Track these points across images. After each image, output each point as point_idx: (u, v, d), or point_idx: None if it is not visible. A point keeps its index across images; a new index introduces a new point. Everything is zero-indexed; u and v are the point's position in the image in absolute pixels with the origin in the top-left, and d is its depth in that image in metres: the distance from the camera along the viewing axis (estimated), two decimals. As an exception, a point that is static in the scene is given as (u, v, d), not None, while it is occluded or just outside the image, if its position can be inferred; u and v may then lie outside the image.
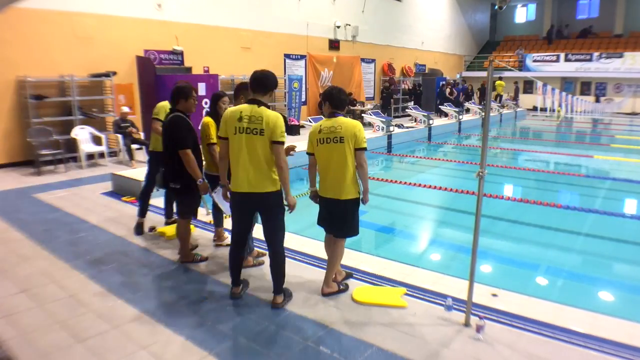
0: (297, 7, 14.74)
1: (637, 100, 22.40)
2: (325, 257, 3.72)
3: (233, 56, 12.69)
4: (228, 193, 3.45)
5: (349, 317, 3.23)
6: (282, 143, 3.18)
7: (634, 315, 3.29)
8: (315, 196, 3.59)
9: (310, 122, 10.42)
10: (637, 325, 3.10)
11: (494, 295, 3.50)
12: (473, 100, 19.59)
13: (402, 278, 3.81)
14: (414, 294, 3.55)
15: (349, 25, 17.04)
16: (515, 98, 21.95)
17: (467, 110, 17.92)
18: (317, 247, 4.55)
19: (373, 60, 18.88)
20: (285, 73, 14.51)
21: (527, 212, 6.55)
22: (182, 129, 3.87)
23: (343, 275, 3.81)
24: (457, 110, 15.96)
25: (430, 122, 14.13)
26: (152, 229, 5.02)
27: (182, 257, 4.24)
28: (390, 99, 17.71)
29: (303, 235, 4.95)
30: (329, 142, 3.33)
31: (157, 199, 6.29)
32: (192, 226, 4.53)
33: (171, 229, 4.90)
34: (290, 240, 4.74)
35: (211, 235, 4.84)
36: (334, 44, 16.64)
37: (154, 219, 5.41)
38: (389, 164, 11.05)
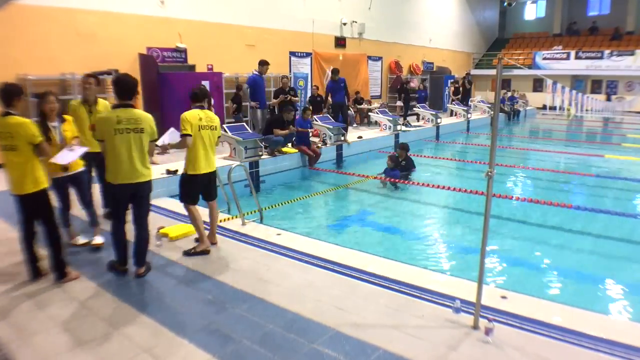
0: (302, 4, 14.68)
1: (649, 99, 22.10)
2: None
3: (237, 54, 12.66)
4: None
5: (355, 320, 3.19)
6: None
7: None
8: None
9: (316, 120, 10.35)
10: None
11: (503, 297, 3.44)
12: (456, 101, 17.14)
13: (410, 279, 3.75)
14: (422, 296, 3.50)
15: (356, 22, 16.95)
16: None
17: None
18: (324, 249, 4.51)
19: (380, 58, 18.78)
20: (290, 71, 14.46)
21: (536, 213, 6.46)
22: None
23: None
24: (465, 109, 15.84)
25: (439, 121, 14.03)
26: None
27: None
28: (408, 99, 16.10)
29: (312, 237, 4.90)
30: (206, 128, 4.33)
31: (161, 200, 6.30)
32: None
33: (175, 230, 4.88)
34: (295, 242, 4.72)
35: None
36: (340, 42, 16.56)
37: (158, 219, 5.40)
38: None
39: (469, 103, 17.64)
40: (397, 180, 7.86)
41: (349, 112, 14.78)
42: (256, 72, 9.93)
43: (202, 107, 4.37)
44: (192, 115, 4.24)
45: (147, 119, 3.81)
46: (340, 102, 11.28)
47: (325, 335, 3.00)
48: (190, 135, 4.20)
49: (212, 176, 4.51)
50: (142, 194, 3.86)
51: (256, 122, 10.34)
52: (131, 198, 3.84)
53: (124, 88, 3.74)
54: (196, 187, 4.42)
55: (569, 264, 4.99)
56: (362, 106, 15.34)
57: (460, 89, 17.98)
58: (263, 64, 9.85)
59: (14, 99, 3.67)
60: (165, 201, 6.24)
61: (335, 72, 11.39)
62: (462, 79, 18.56)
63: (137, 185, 3.77)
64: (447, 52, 23.49)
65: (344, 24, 16.52)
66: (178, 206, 5.84)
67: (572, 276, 4.69)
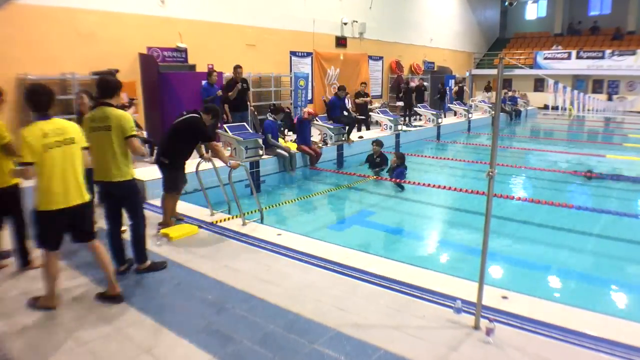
0: (303, 4, 14.68)
1: (650, 98, 22.06)
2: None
3: (238, 53, 12.63)
4: None
5: (356, 320, 3.18)
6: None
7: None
8: None
9: (316, 120, 10.34)
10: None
11: (504, 297, 3.43)
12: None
13: (411, 280, 3.74)
14: (423, 296, 3.49)
15: (356, 21, 16.94)
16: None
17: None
18: (325, 249, 4.51)
19: (381, 58, 18.77)
20: (291, 71, 14.46)
21: (537, 213, 6.45)
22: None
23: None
24: (466, 109, 15.80)
25: (439, 121, 14.01)
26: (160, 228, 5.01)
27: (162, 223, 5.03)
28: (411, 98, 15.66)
29: (313, 237, 4.89)
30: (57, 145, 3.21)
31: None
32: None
33: (175, 230, 4.88)
34: (296, 242, 4.71)
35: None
36: (340, 41, 16.56)
37: (158, 219, 5.39)
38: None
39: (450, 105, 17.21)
40: (402, 181, 7.82)
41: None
42: None
43: (46, 117, 3.23)
44: (32, 133, 3.10)
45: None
46: (337, 116, 11.03)
47: (326, 335, 2.99)
48: (32, 164, 3.10)
49: (80, 210, 3.32)
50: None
51: (257, 122, 10.36)
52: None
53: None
54: (53, 227, 3.27)
55: (570, 264, 4.98)
56: (359, 100, 15.24)
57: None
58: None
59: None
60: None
61: (342, 89, 11.24)
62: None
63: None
64: (448, 51, 23.48)
65: (345, 23, 16.51)
66: (178, 206, 5.85)
67: (573, 276, 4.68)
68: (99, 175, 3.76)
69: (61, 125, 3.28)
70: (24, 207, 4.02)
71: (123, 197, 3.86)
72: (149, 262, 4.02)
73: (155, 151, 5.38)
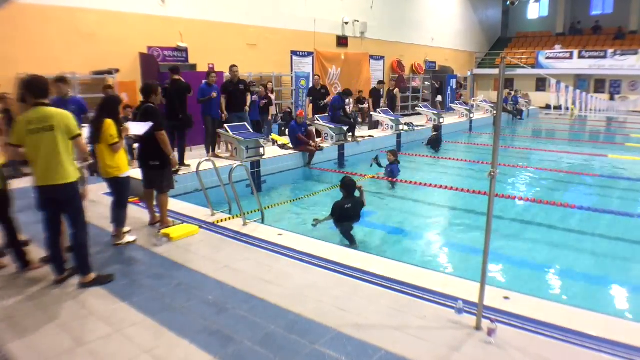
0: (304, 3, 14.68)
1: (652, 98, 22.02)
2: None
3: (238, 53, 12.65)
4: None
5: (357, 320, 3.17)
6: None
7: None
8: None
9: (317, 120, 10.34)
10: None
11: (506, 298, 3.41)
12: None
13: (412, 280, 3.72)
14: (424, 297, 3.48)
15: (357, 21, 16.94)
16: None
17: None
18: (326, 250, 4.50)
19: (382, 57, 18.74)
20: (292, 70, 14.46)
21: (539, 213, 6.43)
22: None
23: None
24: (467, 108, 15.79)
25: (441, 120, 13.99)
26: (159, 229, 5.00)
27: (162, 223, 5.02)
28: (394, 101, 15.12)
29: (314, 238, 4.88)
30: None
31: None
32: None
33: (176, 230, 4.87)
34: (297, 242, 4.70)
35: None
36: (341, 41, 16.55)
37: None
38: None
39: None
40: (396, 180, 7.85)
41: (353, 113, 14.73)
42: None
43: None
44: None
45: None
46: (338, 117, 10.97)
47: (327, 336, 2.98)
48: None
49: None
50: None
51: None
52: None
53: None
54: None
55: (571, 264, 4.96)
56: (364, 106, 15.31)
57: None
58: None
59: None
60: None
61: (348, 93, 11.21)
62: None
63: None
64: (450, 51, 23.45)
65: (346, 23, 16.51)
66: (178, 206, 5.85)
67: (575, 276, 4.67)
68: (40, 180, 3.56)
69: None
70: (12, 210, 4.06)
71: (65, 200, 3.64)
72: (93, 275, 3.75)
73: (137, 158, 5.20)
